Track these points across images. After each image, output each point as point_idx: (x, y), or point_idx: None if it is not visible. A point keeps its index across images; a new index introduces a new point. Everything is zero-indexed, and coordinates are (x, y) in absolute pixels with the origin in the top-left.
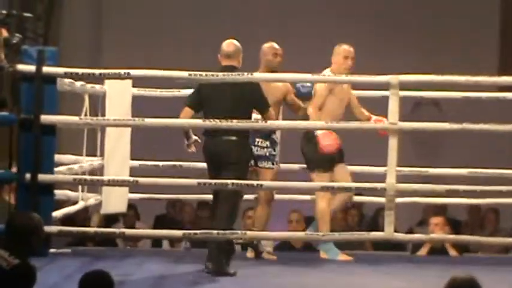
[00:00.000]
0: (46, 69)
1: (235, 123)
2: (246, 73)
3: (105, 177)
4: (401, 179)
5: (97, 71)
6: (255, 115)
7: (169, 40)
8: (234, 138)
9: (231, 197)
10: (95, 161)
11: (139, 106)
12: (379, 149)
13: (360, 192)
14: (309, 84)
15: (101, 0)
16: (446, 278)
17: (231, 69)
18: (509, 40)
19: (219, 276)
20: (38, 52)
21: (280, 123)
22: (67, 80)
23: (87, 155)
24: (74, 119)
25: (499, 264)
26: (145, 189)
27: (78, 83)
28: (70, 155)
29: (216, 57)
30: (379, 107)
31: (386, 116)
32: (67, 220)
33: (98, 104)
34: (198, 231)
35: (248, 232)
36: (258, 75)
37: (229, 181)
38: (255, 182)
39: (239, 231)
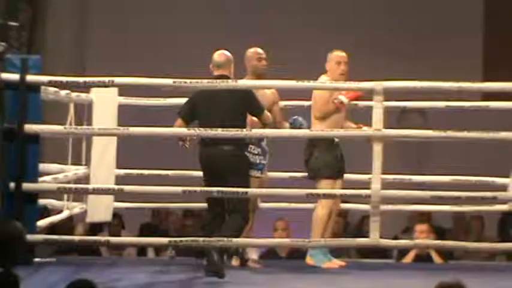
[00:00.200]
0: (30, 77)
1: (223, 132)
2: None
3: (90, 186)
4: (386, 186)
5: (81, 79)
6: None
7: (153, 50)
8: (232, 148)
9: (242, 206)
10: (80, 170)
11: (127, 115)
12: (365, 156)
13: (345, 199)
14: (303, 123)
15: (85, 9)
16: (431, 285)
17: (224, 78)
18: (493, 50)
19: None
20: (21, 61)
21: (268, 131)
22: (52, 89)
23: (72, 164)
24: (58, 128)
25: (484, 271)
26: (131, 198)
27: (63, 92)
28: (55, 164)
29: (200, 68)
30: (364, 116)
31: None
32: (52, 229)
33: (83, 112)
34: (183, 239)
35: (233, 240)
36: (244, 82)
37: (214, 189)
38: (239, 190)
39: (224, 239)
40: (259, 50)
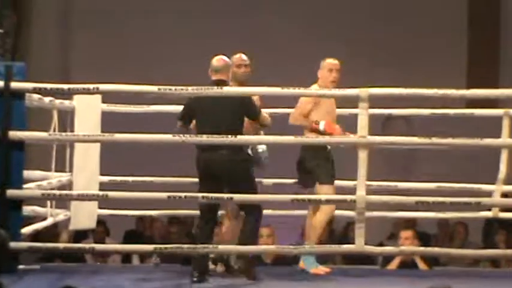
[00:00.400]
0: (14, 84)
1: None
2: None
3: (75, 192)
4: (372, 193)
5: (66, 86)
6: None
7: (138, 56)
8: (230, 152)
9: (253, 207)
10: (64, 177)
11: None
12: (350, 163)
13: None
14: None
15: (69, 17)
16: None
17: (222, 83)
18: (477, 59)
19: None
20: (6, 68)
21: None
22: (36, 96)
23: (56, 171)
24: (43, 134)
25: (468, 277)
26: (115, 205)
27: (47, 99)
28: (39, 171)
29: (184, 74)
30: (349, 123)
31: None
32: (36, 236)
33: (66, 119)
34: (168, 246)
35: (219, 246)
36: (229, 89)
37: (199, 194)
38: (225, 195)
39: (210, 245)
40: (243, 57)
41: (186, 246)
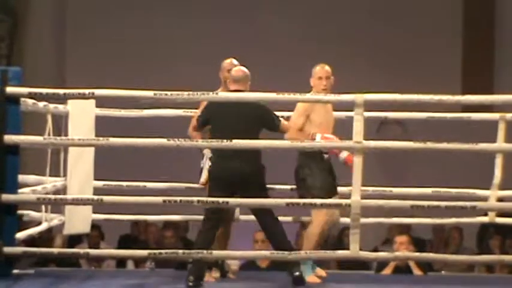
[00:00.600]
0: (10, 89)
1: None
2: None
3: (69, 196)
4: (367, 198)
5: (61, 91)
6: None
7: (134, 60)
8: (246, 160)
9: (273, 215)
10: (59, 182)
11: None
12: (345, 168)
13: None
14: None
15: (65, 21)
16: None
17: (239, 92)
18: (472, 63)
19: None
20: (1, 72)
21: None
22: (30, 101)
23: (50, 176)
24: (38, 139)
25: (463, 283)
26: (110, 209)
27: (41, 103)
28: (34, 176)
29: (182, 78)
30: (345, 127)
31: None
32: (31, 241)
33: (61, 124)
34: (163, 251)
35: (214, 252)
36: (226, 94)
37: (194, 198)
38: (220, 200)
39: (204, 251)
40: (234, 62)
41: (181, 251)
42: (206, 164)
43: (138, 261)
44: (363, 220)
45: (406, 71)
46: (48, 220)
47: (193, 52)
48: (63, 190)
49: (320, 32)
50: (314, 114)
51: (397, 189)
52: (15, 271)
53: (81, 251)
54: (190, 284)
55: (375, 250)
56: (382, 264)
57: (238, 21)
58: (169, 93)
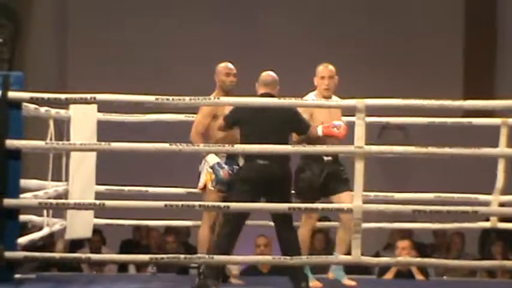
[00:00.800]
0: (12, 94)
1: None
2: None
3: (71, 201)
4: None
5: (63, 96)
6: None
7: (135, 67)
8: (278, 162)
9: (292, 223)
10: (61, 186)
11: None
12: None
13: (327, 217)
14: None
15: (66, 27)
16: None
17: (267, 96)
18: (473, 67)
19: None
20: (3, 77)
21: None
22: (32, 106)
23: (52, 180)
24: (39, 143)
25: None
26: (112, 214)
27: (43, 108)
28: (35, 180)
29: (183, 82)
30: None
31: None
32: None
33: (63, 128)
34: (164, 256)
35: (215, 256)
36: (227, 100)
37: (196, 203)
38: (222, 204)
39: (206, 256)
40: (230, 66)
41: (182, 256)
42: (204, 169)
43: (140, 266)
44: (365, 225)
45: (407, 73)
46: (50, 225)
47: (195, 55)
48: (65, 195)
49: (320, 33)
50: (316, 113)
51: (399, 195)
52: (17, 276)
53: (83, 255)
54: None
55: (377, 255)
56: (384, 268)
57: (239, 24)
58: (170, 98)
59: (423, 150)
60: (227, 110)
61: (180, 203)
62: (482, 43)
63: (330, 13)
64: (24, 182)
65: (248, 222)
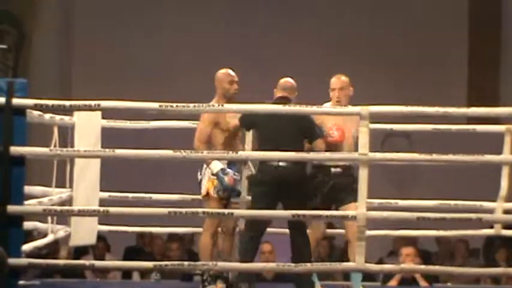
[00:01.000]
0: (16, 101)
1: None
2: (215, 105)
3: (75, 207)
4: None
5: (67, 103)
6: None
7: (139, 73)
8: (296, 165)
9: (305, 230)
10: (65, 193)
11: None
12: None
13: (331, 225)
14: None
15: (71, 33)
16: None
17: (285, 99)
18: (477, 74)
19: None
20: (7, 84)
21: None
22: (36, 112)
23: (56, 187)
24: (44, 150)
25: None
26: (115, 221)
27: (47, 115)
28: (40, 187)
29: (186, 88)
30: None
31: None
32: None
33: (67, 135)
34: (168, 263)
35: (219, 263)
36: (228, 107)
37: (200, 210)
38: (225, 211)
39: (210, 263)
40: (231, 72)
41: (186, 263)
42: (206, 176)
43: (144, 273)
44: (369, 232)
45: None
46: (54, 232)
47: (200, 60)
48: (69, 201)
49: (323, 40)
50: (326, 122)
51: (403, 202)
52: (21, 282)
53: (87, 262)
54: None
55: (381, 262)
56: (388, 275)
57: (245, 29)
58: (174, 105)
59: (427, 157)
60: (229, 117)
61: (183, 209)
62: (487, 44)
63: (331, 18)
64: (28, 189)
65: None
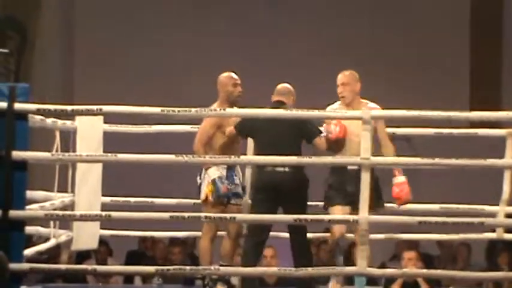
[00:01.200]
0: (18, 105)
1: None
2: (216, 109)
3: (77, 212)
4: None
5: (69, 107)
6: None
7: (141, 77)
8: (294, 169)
9: (306, 235)
10: (67, 197)
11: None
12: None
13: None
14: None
15: (73, 37)
16: None
17: (280, 103)
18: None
19: None
20: (9, 88)
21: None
22: (38, 117)
23: (58, 192)
24: (46, 155)
25: None
26: (117, 225)
27: (49, 120)
28: (41, 191)
29: (187, 94)
30: None
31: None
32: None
33: (69, 139)
34: (170, 267)
35: (221, 268)
36: (230, 111)
37: (202, 214)
38: (227, 215)
39: (212, 267)
40: (234, 75)
41: (188, 267)
42: (205, 180)
43: (146, 277)
44: (371, 236)
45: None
46: (56, 236)
47: (199, 67)
48: (71, 206)
49: (323, 42)
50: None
51: (405, 206)
52: (23, 287)
53: (89, 267)
54: None
55: (383, 266)
56: (390, 280)
57: (247, 37)
58: (176, 109)
59: (429, 161)
60: (232, 120)
61: (185, 214)
62: (489, 50)
63: (331, 20)
64: (30, 193)
65: None
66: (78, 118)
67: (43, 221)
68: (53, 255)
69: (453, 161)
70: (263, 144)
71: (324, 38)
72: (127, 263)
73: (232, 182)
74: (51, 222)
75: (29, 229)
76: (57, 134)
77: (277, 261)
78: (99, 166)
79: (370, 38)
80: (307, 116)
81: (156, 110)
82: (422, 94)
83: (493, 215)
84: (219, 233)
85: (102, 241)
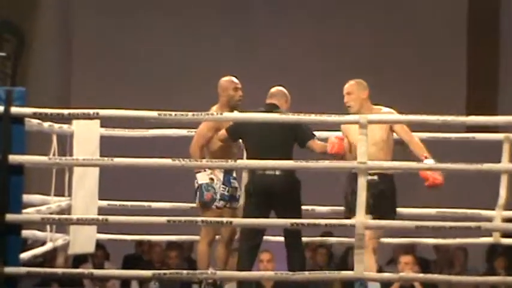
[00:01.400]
0: (14, 109)
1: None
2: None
3: (74, 216)
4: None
5: (66, 111)
6: None
7: (138, 81)
8: (285, 173)
9: (301, 239)
10: (63, 201)
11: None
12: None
13: (330, 233)
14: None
15: (70, 42)
16: None
17: (273, 106)
18: (477, 79)
19: None
20: (6, 92)
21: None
22: (35, 121)
23: (55, 195)
24: (42, 159)
25: None
26: (114, 229)
27: (46, 123)
28: (38, 195)
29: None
30: None
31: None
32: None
33: (66, 143)
34: (167, 271)
35: (218, 272)
36: (227, 115)
37: (198, 218)
38: (224, 220)
39: (209, 271)
40: (235, 79)
41: (185, 272)
42: (195, 184)
43: (143, 282)
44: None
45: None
46: (52, 240)
47: (198, 72)
48: (67, 210)
49: (321, 47)
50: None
51: (402, 210)
52: None
53: (86, 271)
54: None
55: (380, 270)
56: (387, 284)
57: (247, 41)
58: (173, 113)
59: (426, 166)
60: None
61: (182, 218)
62: (486, 51)
63: (330, 25)
64: (26, 197)
65: None
66: (75, 122)
67: (40, 225)
68: (48, 258)
69: (450, 166)
70: (254, 147)
71: (322, 42)
72: (124, 267)
73: (230, 185)
74: (48, 226)
75: (26, 233)
76: (54, 137)
77: (274, 265)
78: (96, 170)
79: (368, 40)
80: (298, 119)
81: (153, 113)
82: (419, 95)
83: (489, 219)
84: (217, 237)
85: (99, 245)
